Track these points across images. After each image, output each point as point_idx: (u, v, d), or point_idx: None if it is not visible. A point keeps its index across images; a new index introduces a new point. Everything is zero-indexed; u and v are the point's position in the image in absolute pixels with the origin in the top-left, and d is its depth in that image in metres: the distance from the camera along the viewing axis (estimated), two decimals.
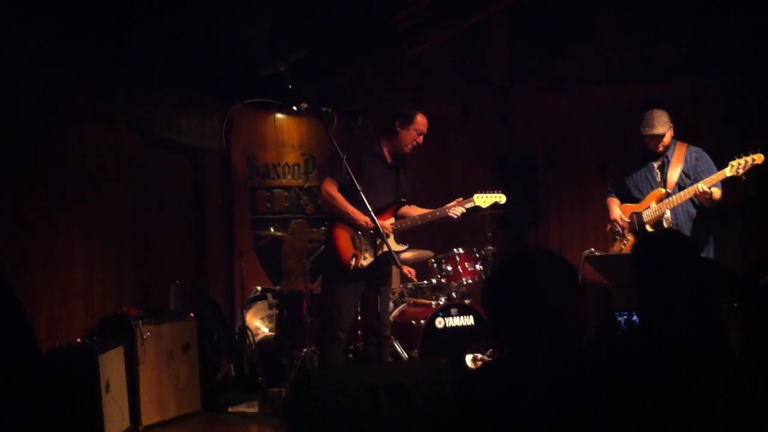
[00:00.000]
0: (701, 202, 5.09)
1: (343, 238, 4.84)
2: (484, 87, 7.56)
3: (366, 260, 4.80)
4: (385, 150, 4.99)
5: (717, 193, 5.07)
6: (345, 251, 4.81)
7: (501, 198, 5.23)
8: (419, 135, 4.95)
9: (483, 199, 5.19)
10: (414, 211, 5.10)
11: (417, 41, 7.47)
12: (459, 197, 5.14)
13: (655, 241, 2.61)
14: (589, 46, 7.27)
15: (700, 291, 2.15)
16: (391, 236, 4.89)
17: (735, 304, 1.71)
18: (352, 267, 4.75)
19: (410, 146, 4.98)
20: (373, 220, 4.38)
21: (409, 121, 4.91)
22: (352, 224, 4.82)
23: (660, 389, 1.95)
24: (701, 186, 4.97)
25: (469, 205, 5.11)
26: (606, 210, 5.56)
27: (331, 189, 4.83)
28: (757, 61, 6.71)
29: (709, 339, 2.05)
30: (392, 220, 4.98)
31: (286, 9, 6.11)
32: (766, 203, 6.57)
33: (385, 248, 4.41)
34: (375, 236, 4.47)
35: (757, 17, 6.68)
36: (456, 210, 5.03)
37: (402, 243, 5.10)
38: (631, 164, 5.49)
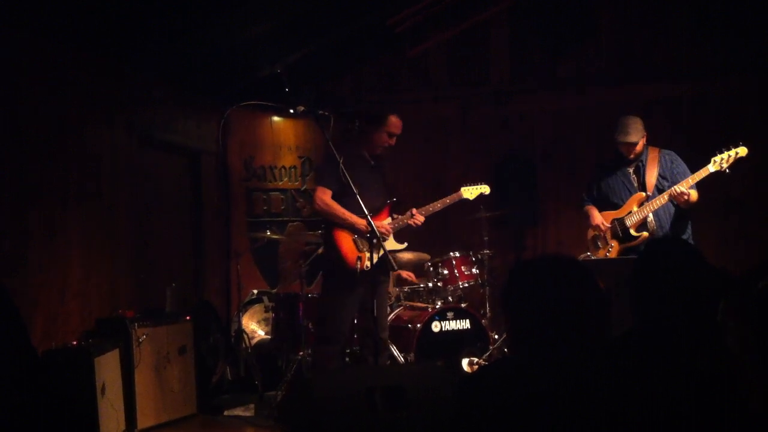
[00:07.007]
0: (678, 204, 5.06)
1: (346, 241, 4.80)
2: (484, 87, 7.53)
3: (370, 261, 4.77)
4: (364, 152, 4.96)
5: (694, 194, 5.03)
6: (349, 255, 4.78)
7: (485, 189, 5.36)
8: (391, 137, 4.92)
9: (470, 192, 5.27)
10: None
11: (416, 42, 7.45)
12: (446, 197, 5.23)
13: (662, 246, 2.60)
14: (589, 46, 7.24)
15: (698, 294, 2.14)
16: (390, 237, 4.87)
17: (736, 305, 1.68)
18: (358, 269, 4.70)
19: (380, 149, 4.95)
20: (369, 222, 4.34)
21: (381, 122, 4.87)
22: (352, 229, 4.79)
23: (657, 391, 1.94)
24: (678, 188, 4.94)
25: (456, 199, 5.21)
26: (584, 219, 5.49)
27: (325, 197, 4.81)
28: (757, 62, 6.68)
29: (706, 341, 2.02)
30: (388, 220, 4.95)
31: (285, 10, 6.08)
32: (760, 202, 6.56)
33: (382, 251, 4.39)
34: (371, 238, 4.44)
35: (756, 18, 6.65)
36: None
37: (401, 242, 5.08)
38: (604, 171, 5.45)
